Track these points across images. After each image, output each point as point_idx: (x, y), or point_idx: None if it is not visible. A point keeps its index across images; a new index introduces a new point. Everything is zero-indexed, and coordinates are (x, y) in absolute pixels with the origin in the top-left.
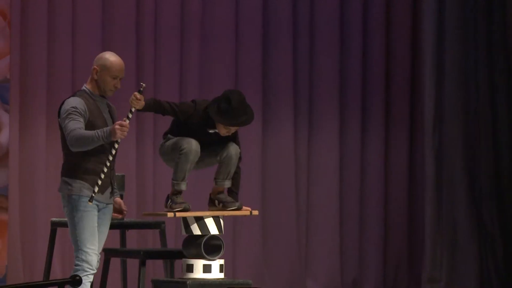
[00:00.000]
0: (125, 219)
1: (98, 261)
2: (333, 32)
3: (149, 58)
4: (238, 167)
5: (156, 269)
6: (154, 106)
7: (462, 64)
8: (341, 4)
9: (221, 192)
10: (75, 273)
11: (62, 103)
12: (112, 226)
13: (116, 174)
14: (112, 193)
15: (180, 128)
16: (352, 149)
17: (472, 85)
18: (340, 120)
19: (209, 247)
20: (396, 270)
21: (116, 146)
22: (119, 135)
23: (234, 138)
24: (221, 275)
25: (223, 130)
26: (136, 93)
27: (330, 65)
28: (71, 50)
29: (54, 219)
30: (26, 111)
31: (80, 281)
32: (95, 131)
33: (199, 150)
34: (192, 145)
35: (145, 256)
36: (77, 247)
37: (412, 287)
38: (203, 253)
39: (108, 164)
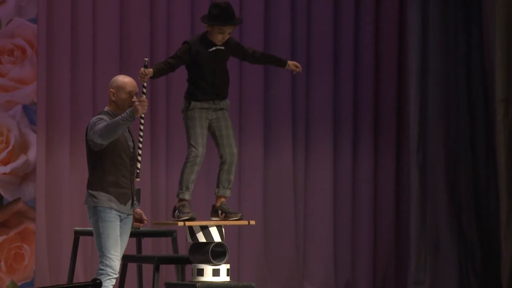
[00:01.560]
0: (141, 228)
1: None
2: (327, 65)
3: (162, 87)
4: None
5: (168, 273)
6: (161, 69)
7: (444, 92)
8: (334, 39)
9: (224, 201)
10: (99, 277)
11: (93, 117)
12: (129, 235)
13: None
14: (132, 204)
15: (191, 69)
16: (345, 167)
17: (453, 111)
18: (333, 141)
19: (215, 253)
20: (384, 273)
21: (142, 121)
22: (140, 110)
23: (228, 134)
24: (228, 278)
25: (219, 37)
26: (142, 69)
27: (325, 95)
28: (91, 76)
29: (77, 228)
30: (51, 131)
31: (100, 284)
32: (118, 116)
33: (204, 152)
34: (199, 149)
35: (159, 261)
36: (101, 253)
37: None
38: (211, 259)
39: (129, 176)
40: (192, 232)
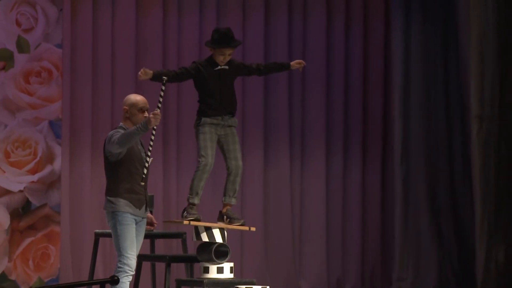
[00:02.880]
0: (154, 231)
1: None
2: (321, 87)
3: (173, 102)
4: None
5: (179, 270)
6: (162, 73)
7: (424, 111)
8: (326, 64)
9: (229, 208)
10: (117, 274)
11: (111, 131)
12: (144, 236)
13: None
14: (146, 209)
15: (201, 88)
16: (336, 177)
17: (432, 127)
18: (326, 154)
19: (219, 252)
20: (372, 271)
21: (154, 132)
22: (153, 122)
23: (235, 149)
24: (231, 275)
25: (220, 58)
26: (142, 69)
27: (318, 113)
28: (110, 95)
29: (97, 230)
30: (74, 144)
31: (117, 281)
32: (134, 127)
33: (213, 162)
34: (208, 159)
35: (170, 260)
36: (119, 253)
37: (385, 284)
38: (213, 257)
39: (142, 182)
40: (197, 232)
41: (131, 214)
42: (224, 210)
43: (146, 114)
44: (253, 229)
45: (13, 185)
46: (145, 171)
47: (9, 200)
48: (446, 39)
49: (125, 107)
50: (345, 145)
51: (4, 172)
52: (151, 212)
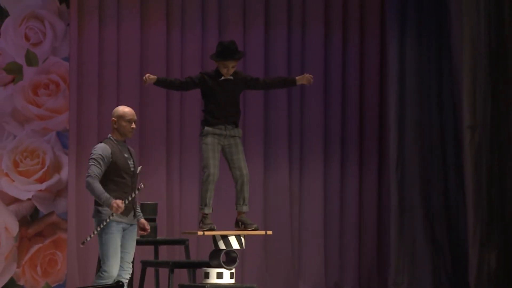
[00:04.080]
0: (158, 237)
1: (127, 269)
2: (319, 97)
3: (176, 114)
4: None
5: (181, 276)
6: (166, 79)
7: (419, 120)
8: (324, 75)
9: (242, 215)
10: (98, 279)
11: (94, 147)
12: (148, 243)
13: (150, 202)
14: (135, 215)
15: (206, 98)
16: (334, 183)
17: (427, 136)
18: (324, 161)
19: (229, 258)
20: (368, 275)
21: (136, 192)
22: (114, 210)
23: (239, 158)
24: (232, 281)
25: (224, 70)
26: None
27: (316, 122)
28: (115, 106)
29: None
30: (81, 154)
31: (122, 286)
32: (104, 193)
33: (216, 172)
34: (210, 169)
35: (173, 266)
36: (102, 260)
37: None
38: (222, 263)
39: (129, 197)
40: (215, 240)
41: (117, 222)
42: (238, 217)
43: (133, 125)
44: (269, 232)
45: (22, 193)
46: (133, 194)
47: (17, 208)
48: (439, 52)
49: (113, 118)
50: (342, 152)
51: (13, 181)
52: (153, 220)
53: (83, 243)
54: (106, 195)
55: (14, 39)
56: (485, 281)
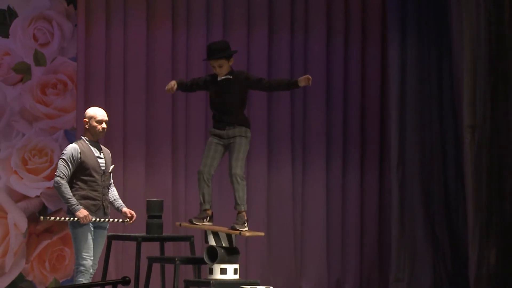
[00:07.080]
0: (164, 234)
1: (93, 265)
2: (321, 97)
3: (182, 112)
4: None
5: (187, 271)
6: (183, 82)
7: (420, 120)
8: (327, 75)
9: (240, 214)
10: (75, 273)
11: (65, 148)
12: (154, 239)
13: (156, 200)
14: (104, 213)
15: (209, 97)
16: (336, 182)
17: (427, 135)
18: (326, 161)
19: (210, 255)
20: (370, 272)
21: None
22: (81, 220)
23: (231, 158)
24: (236, 276)
25: (214, 70)
26: (172, 83)
27: (319, 122)
28: (122, 106)
29: (109, 234)
30: None
31: (129, 281)
32: (73, 199)
33: (209, 171)
34: (200, 168)
35: (179, 262)
36: (76, 255)
37: (382, 285)
38: (205, 258)
39: (98, 219)
40: (206, 236)
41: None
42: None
43: (104, 125)
44: (261, 234)
45: (30, 190)
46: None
47: (26, 205)
48: (440, 52)
49: (85, 119)
50: (344, 152)
51: (22, 178)
52: (159, 217)
53: (44, 218)
54: (74, 201)
55: (23, 39)
56: (485, 278)
